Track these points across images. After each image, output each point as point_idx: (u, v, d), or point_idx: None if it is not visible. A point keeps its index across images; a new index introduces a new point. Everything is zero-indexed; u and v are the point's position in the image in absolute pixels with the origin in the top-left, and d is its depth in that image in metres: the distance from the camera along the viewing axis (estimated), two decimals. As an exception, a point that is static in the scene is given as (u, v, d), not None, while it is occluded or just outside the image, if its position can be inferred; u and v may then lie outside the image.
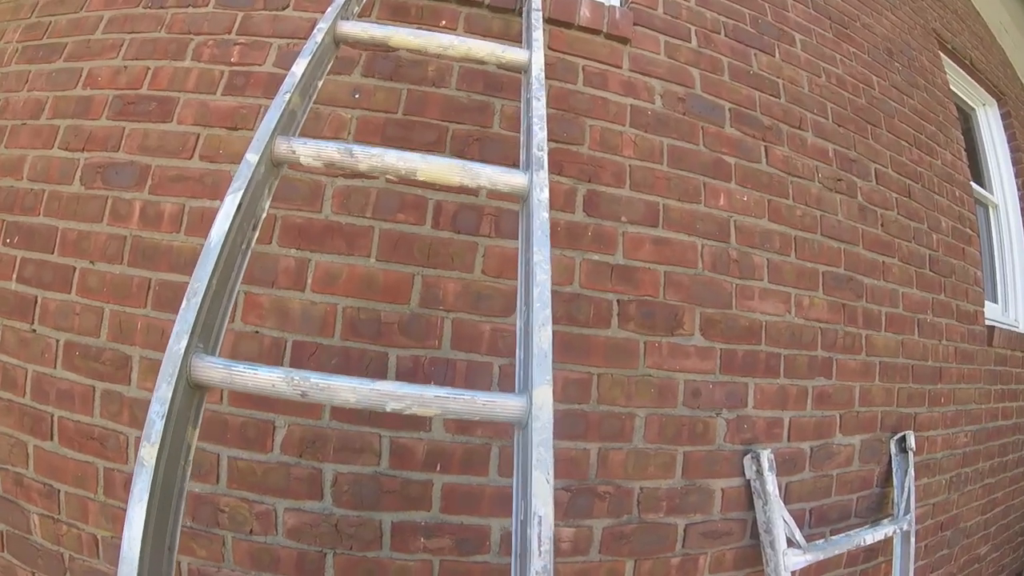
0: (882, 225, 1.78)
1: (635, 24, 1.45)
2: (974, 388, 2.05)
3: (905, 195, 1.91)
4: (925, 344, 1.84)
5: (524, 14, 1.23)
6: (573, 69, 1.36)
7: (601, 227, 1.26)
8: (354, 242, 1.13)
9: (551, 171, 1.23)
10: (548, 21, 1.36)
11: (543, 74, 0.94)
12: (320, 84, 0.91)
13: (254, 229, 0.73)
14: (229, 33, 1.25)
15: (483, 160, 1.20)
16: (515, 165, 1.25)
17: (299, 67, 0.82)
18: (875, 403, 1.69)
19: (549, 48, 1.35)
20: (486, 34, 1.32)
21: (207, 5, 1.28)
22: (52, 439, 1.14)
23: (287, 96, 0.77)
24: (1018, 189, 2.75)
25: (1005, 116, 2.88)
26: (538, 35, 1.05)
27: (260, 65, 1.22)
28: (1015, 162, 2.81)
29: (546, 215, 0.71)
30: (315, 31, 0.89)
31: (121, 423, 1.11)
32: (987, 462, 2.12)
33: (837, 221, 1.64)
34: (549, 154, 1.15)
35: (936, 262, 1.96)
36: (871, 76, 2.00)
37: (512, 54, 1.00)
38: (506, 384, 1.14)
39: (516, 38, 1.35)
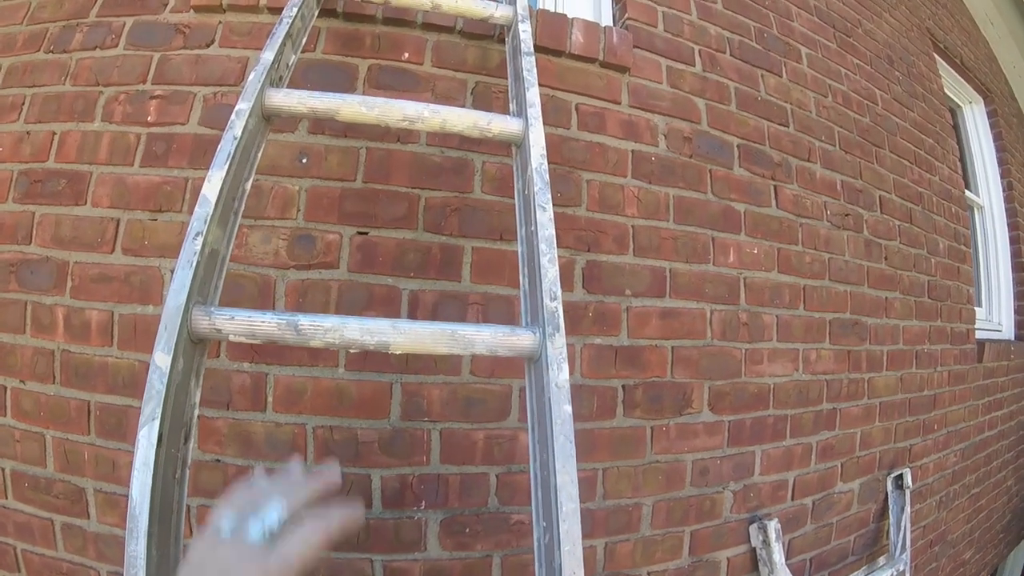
0: (886, 258, 1.65)
1: (635, 47, 1.22)
2: (964, 407, 2.00)
3: (907, 220, 1.78)
4: (922, 376, 1.75)
5: (509, 53, 0.99)
6: (566, 109, 1.13)
7: (604, 305, 1.07)
8: (318, 351, 0.92)
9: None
10: (534, 49, 1.12)
11: (546, 165, 0.69)
12: (249, 185, 0.68)
13: (186, 441, 0.52)
14: (144, 82, 0.98)
15: (463, 234, 1.00)
16: (503, 237, 1.05)
17: (213, 187, 0.57)
18: (874, 444, 1.60)
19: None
20: (459, 67, 1.08)
21: (117, 46, 1.00)
22: (20, 571, 0.98)
23: (198, 241, 0.54)
24: (1003, 190, 2.65)
25: (992, 115, 2.75)
26: (534, 95, 0.78)
27: (183, 124, 0.96)
28: (1001, 162, 2.70)
29: (569, 409, 0.51)
30: (233, 117, 0.64)
31: (88, 558, 0.94)
32: (973, 474, 2.09)
33: (844, 262, 1.50)
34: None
35: (934, 288, 1.85)
36: (874, 90, 1.82)
37: (500, 126, 0.76)
38: (504, 494, 0.98)
39: (496, 71, 1.11)
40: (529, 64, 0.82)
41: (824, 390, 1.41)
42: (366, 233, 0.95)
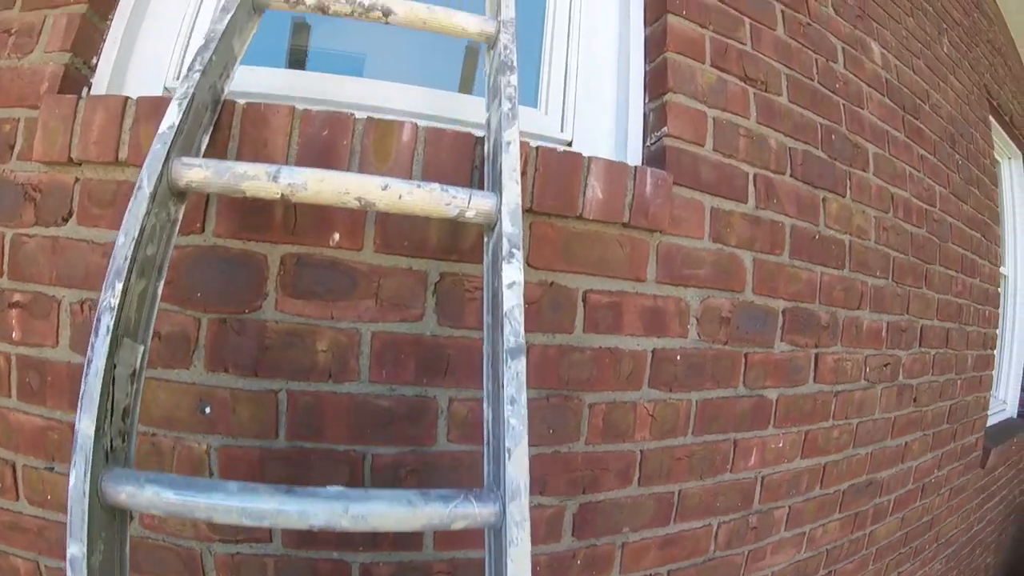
0: (915, 400, 1.32)
1: (676, 184, 0.82)
2: (959, 516, 1.74)
3: (943, 345, 1.43)
4: (923, 506, 1.49)
5: (487, 297, 0.57)
6: (570, 303, 0.75)
7: (595, 549, 0.79)
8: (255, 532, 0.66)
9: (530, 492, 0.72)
10: (530, 212, 0.72)
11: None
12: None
13: None
14: (0, 275, 0.63)
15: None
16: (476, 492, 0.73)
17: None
18: (862, 582, 1.37)
19: (529, 264, 0.73)
20: (417, 250, 0.66)
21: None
22: None
23: None
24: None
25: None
26: (518, 474, 0.41)
27: (53, 347, 0.63)
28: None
29: None
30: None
31: None
32: (956, 570, 1.87)
33: (872, 422, 1.18)
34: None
35: (955, 411, 1.54)
36: (935, 188, 1.40)
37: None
38: None
39: (471, 253, 0.69)
40: (516, 384, 0.43)
41: (823, 560, 1.16)
42: (295, 502, 0.65)
